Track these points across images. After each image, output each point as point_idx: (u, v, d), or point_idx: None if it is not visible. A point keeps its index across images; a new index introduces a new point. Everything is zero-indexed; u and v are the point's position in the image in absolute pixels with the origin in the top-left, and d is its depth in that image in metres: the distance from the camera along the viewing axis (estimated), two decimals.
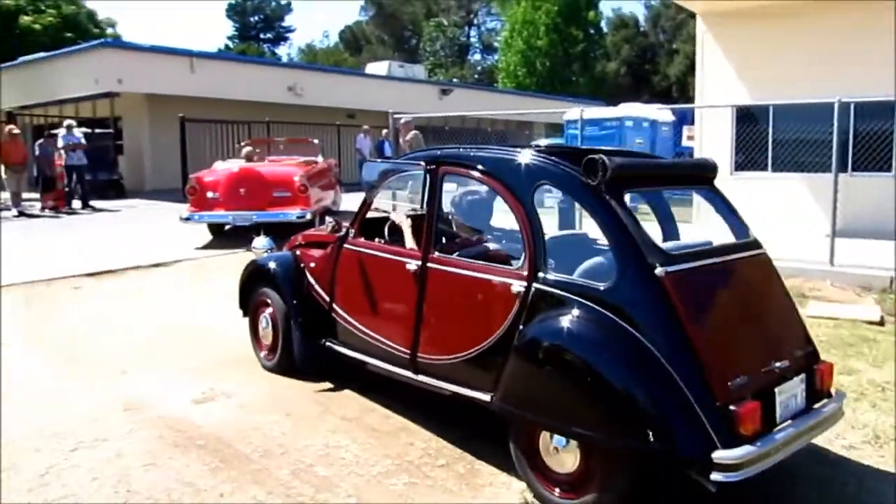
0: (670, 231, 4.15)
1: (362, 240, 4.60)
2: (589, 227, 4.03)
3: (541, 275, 3.46)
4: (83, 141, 15.87)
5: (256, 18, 71.59)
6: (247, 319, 5.51)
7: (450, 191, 4.53)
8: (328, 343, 4.75)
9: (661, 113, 17.82)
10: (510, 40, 43.25)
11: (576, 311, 3.28)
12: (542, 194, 3.78)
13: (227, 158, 14.59)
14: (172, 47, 21.93)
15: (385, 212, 4.90)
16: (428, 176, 4.19)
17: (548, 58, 41.23)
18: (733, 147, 11.71)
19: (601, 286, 3.26)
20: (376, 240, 4.58)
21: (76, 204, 15.76)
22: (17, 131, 15.28)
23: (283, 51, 71.47)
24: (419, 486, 3.52)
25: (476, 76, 61.52)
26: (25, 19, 35.68)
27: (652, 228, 3.65)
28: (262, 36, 71.72)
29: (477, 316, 3.72)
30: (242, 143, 14.00)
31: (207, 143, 19.24)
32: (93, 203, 15.96)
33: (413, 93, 28.14)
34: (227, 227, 11.05)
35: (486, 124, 30.59)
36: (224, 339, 5.90)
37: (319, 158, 12.94)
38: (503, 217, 4.26)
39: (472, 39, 69.29)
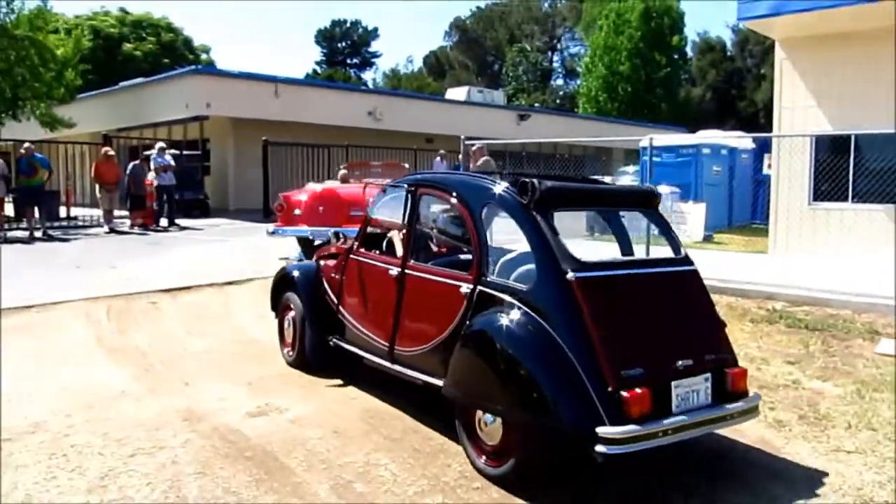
0: (625, 246, 4.75)
1: (363, 251, 5.35)
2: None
3: (484, 278, 4.13)
4: (172, 163, 16.69)
5: (344, 44, 73.64)
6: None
7: (433, 210, 5.19)
8: (334, 340, 5.50)
9: (741, 140, 17.45)
10: (591, 65, 43.09)
11: (505, 309, 3.90)
12: (491, 211, 4.45)
13: (324, 180, 15.23)
14: (258, 73, 22.85)
15: (386, 228, 5.52)
16: (409, 196, 4.94)
17: (629, 83, 40.84)
18: (812, 177, 11.36)
19: (525, 287, 3.90)
20: (374, 251, 5.30)
21: (163, 222, 16.56)
22: (111, 153, 16.22)
23: (368, 75, 73.27)
24: None
25: (557, 101, 61.44)
26: (128, 46, 37.85)
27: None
28: (348, 61, 73.72)
29: (437, 313, 4.38)
30: (342, 166, 14.72)
31: (289, 165, 19.92)
32: (179, 221, 16.74)
33: (491, 118, 28.41)
34: (315, 242, 11.54)
35: (564, 150, 30.58)
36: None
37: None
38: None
39: (555, 64, 69.41)
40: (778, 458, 4.23)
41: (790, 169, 11.44)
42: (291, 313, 5.96)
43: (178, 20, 65.35)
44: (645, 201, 4.71)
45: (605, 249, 4.85)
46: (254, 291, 9.13)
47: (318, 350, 5.69)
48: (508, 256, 4.37)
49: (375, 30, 73.37)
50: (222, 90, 20.86)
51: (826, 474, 3.99)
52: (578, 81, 51.31)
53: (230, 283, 9.35)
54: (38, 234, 14.58)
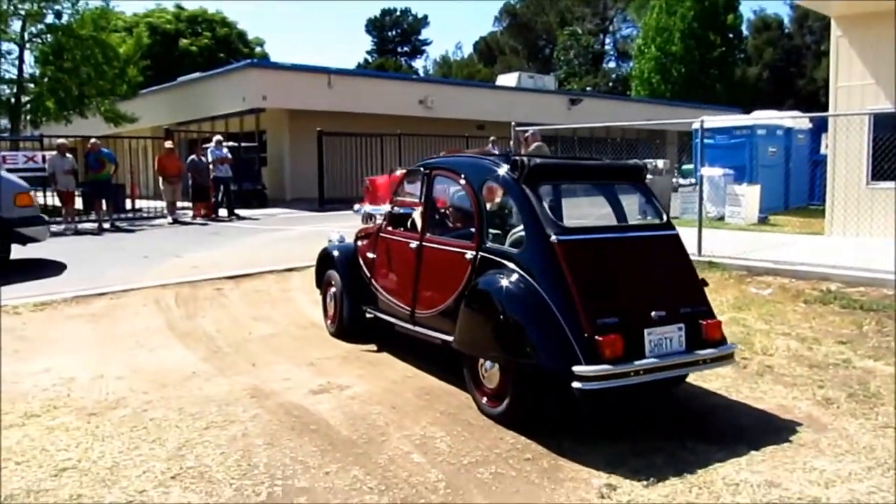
0: (619, 214, 5.21)
1: (390, 229, 5.99)
2: None
3: (484, 245, 4.75)
4: (229, 155, 17.21)
5: (394, 33, 73.98)
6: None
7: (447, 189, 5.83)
8: (366, 309, 6.24)
9: (798, 120, 17.13)
10: (644, 47, 42.50)
11: (501, 270, 4.50)
12: (489, 186, 5.00)
13: (394, 168, 15.86)
14: (312, 65, 23.27)
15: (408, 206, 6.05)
16: (425, 177, 5.59)
17: (683, 64, 40.18)
18: (870, 156, 11.15)
19: (516, 251, 4.51)
20: (400, 229, 5.89)
21: (223, 212, 17.11)
22: (171, 146, 16.81)
23: (419, 63, 73.55)
24: (504, 476, 3.79)
25: (610, 84, 60.72)
26: (184, 42, 38.77)
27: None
28: (399, 49, 74.07)
29: (448, 278, 5.00)
30: (442, 153, 15.23)
31: (343, 154, 20.31)
32: (237, 211, 17.27)
33: (542, 103, 28.38)
34: None
35: (617, 134, 30.34)
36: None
37: None
38: None
39: (607, 47, 68.54)
40: (825, 432, 4.31)
41: (847, 148, 11.26)
42: (332, 289, 6.66)
43: (232, 14, 66.56)
44: (631, 175, 5.28)
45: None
46: (311, 278, 9.39)
47: (354, 320, 6.41)
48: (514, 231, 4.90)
49: (425, 17, 73.77)
50: (277, 83, 21.35)
51: (873, 450, 4.07)
52: (631, 64, 50.67)
53: (289, 270, 9.70)
54: (106, 225, 15.22)
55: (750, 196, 13.85)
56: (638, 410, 4.73)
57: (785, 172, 16.78)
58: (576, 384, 3.88)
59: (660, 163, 15.71)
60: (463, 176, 5.20)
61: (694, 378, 5.19)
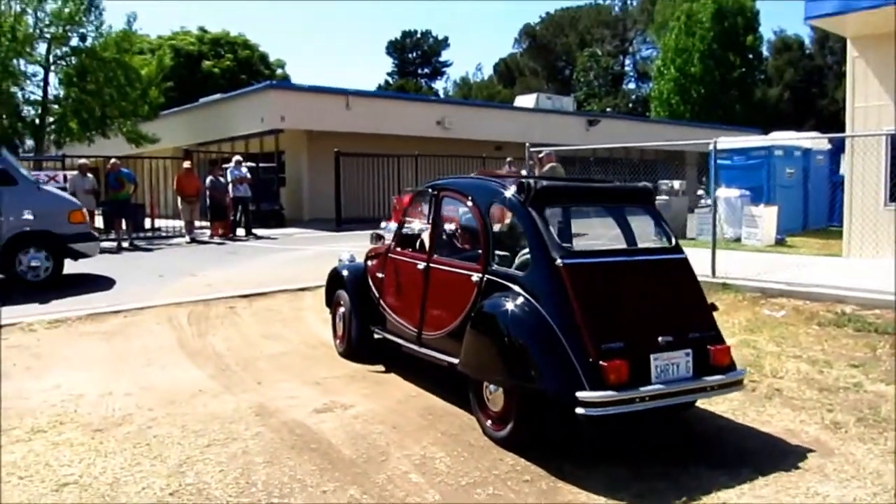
0: (629, 238, 5.16)
1: (399, 250, 5.97)
2: None
3: (490, 267, 4.72)
4: (248, 175, 17.38)
5: (414, 54, 74.62)
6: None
7: (453, 211, 5.84)
8: (374, 329, 6.21)
9: (817, 141, 17.00)
10: (663, 68, 42.51)
11: (506, 293, 4.45)
12: (496, 208, 5.03)
13: (401, 189, 15.88)
14: (330, 87, 23.53)
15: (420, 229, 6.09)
16: (433, 199, 5.61)
17: (702, 85, 40.12)
18: (887, 177, 11.03)
19: (521, 274, 4.47)
20: (408, 250, 5.87)
21: (240, 232, 17.25)
22: (189, 166, 17.02)
23: (439, 85, 74.01)
24: (501, 497, 3.76)
25: (630, 105, 60.74)
26: (207, 64, 39.39)
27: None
28: (419, 71, 74.66)
29: (454, 300, 4.97)
30: (474, 174, 15.38)
31: (360, 175, 20.44)
32: (255, 231, 17.41)
33: (560, 124, 28.43)
34: None
35: (635, 155, 30.25)
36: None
37: None
38: None
39: (627, 68, 68.66)
40: (831, 456, 4.24)
41: (864, 169, 11.15)
42: (341, 309, 6.66)
43: (254, 37, 67.53)
44: (640, 197, 5.21)
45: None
46: (323, 297, 9.49)
47: (362, 340, 6.40)
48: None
49: (446, 39, 74.32)
50: (296, 104, 21.59)
51: (880, 475, 3.99)
52: (650, 85, 50.69)
53: (302, 290, 9.73)
54: (125, 244, 15.40)
55: (767, 217, 13.74)
56: (643, 433, 4.68)
57: (803, 193, 16.64)
58: (579, 410, 3.84)
59: (676, 184, 15.67)
60: (470, 198, 5.20)
61: (701, 401, 5.13)
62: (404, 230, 6.18)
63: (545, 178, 5.50)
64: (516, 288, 4.44)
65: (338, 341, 6.78)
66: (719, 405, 5.13)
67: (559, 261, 4.24)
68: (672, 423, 4.85)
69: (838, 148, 18.00)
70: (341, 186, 19.99)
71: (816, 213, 17.05)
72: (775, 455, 4.29)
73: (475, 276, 4.81)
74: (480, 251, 4.93)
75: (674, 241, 4.88)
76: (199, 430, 4.72)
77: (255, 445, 4.46)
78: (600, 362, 3.91)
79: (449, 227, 5.88)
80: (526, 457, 4.21)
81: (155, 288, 10.08)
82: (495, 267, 4.74)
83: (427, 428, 4.73)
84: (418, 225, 6.09)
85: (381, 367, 6.21)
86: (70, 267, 10.90)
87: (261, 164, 20.97)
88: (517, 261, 4.75)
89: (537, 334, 4.15)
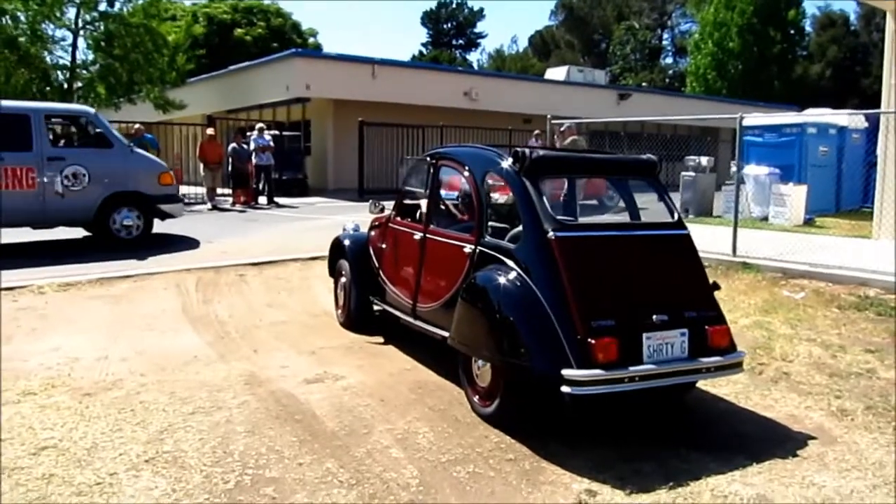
0: (633, 211, 5.02)
1: (399, 220, 5.85)
2: None
3: (483, 239, 4.58)
4: (271, 143, 17.32)
5: (449, 25, 73.83)
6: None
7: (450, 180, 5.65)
8: (373, 299, 6.11)
9: (854, 119, 16.41)
10: (701, 42, 41.55)
11: (497, 266, 4.32)
12: (491, 178, 4.84)
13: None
14: (356, 55, 23.29)
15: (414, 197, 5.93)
16: (430, 168, 5.45)
17: (740, 60, 39.14)
18: None
19: (513, 246, 4.30)
20: (407, 220, 5.74)
21: (262, 200, 17.24)
22: (212, 133, 17.00)
23: (473, 56, 73.33)
24: (482, 476, 3.64)
25: (666, 80, 59.59)
26: (238, 31, 39.30)
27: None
28: (454, 42, 73.90)
29: (448, 272, 4.85)
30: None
31: (384, 145, 20.29)
32: (277, 200, 17.39)
33: (590, 98, 27.97)
34: None
35: (668, 130, 29.70)
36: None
37: None
38: None
39: (665, 42, 67.28)
40: (833, 445, 4.05)
41: None
42: (343, 279, 6.56)
43: (287, 5, 67.28)
44: (643, 170, 5.00)
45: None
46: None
47: (361, 311, 6.30)
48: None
49: (481, 10, 73.45)
50: (321, 72, 21.43)
51: (882, 466, 3.80)
52: (688, 60, 49.61)
53: (314, 259, 9.65)
54: None
55: (796, 196, 13.34)
56: (638, 414, 4.52)
57: (837, 173, 16.11)
58: (565, 388, 3.70)
59: (703, 160, 15.24)
60: (466, 167, 5.03)
61: (703, 383, 4.96)
62: (404, 199, 6.05)
63: (549, 150, 5.31)
64: (508, 261, 4.30)
65: (339, 311, 6.70)
66: (722, 387, 4.95)
67: (551, 233, 4.09)
68: (670, 404, 4.69)
69: (876, 126, 17.40)
70: (365, 156, 19.86)
71: (850, 193, 16.50)
72: (774, 441, 4.10)
73: (468, 248, 4.69)
74: (474, 223, 4.78)
75: (676, 215, 4.69)
76: (185, 398, 4.66)
77: (238, 414, 4.39)
78: (589, 340, 3.76)
79: (446, 196, 5.72)
80: (511, 435, 4.08)
81: (169, 254, 10.07)
82: (488, 239, 4.59)
83: (415, 402, 4.62)
84: (418, 194, 5.93)
85: (379, 339, 6.10)
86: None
87: (285, 133, 20.90)
88: (511, 233, 4.57)
89: (525, 309, 4.00)
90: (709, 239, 10.67)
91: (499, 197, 5.14)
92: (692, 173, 15.24)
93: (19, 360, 5.45)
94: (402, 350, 5.78)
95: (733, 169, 18.14)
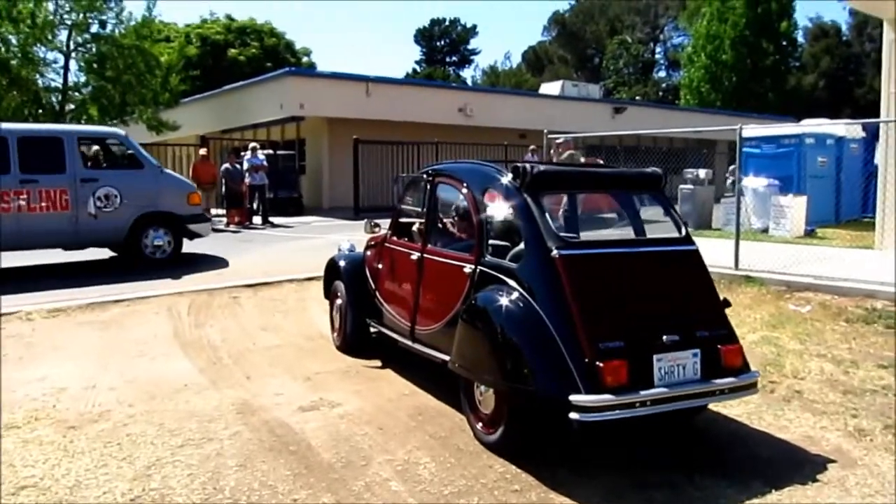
0: (638, 227, 4.83)
1: (395, 239, 5.67)
2: None
3: (483, 258, 4.40)
4: (265, 163, 17.18)
5: (443, 42, 74.07)
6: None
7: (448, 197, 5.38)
8: (370, 322, 5.89)
9: (851, 129, 16.33)
10: (694, 55, 41.64)
11: (499, 286, 4.13)
12: (491, 195, 4.59)
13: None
14: (350, 73, 23.23)
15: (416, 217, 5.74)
16: (427, 185, 5.28)
17: (734, 72, 39.21)
18: None
19: (515, 265, 4.13)
20: (404, 239, 5.57)
21: (257, 220, 17.07)
22: (205, 153, 16.87)
23: (467, 73, 73.47)
24: None
25: (660, 93, 59.74)
26: (232, 52, 39.33)
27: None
28: (447, 59, 74.12)
29: (447, 293, 4.67)
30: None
31: (380, 163, 20.15)
32: (272, 219, 17.22)
33: (585, 112, 27.87)
34: None
35: (663, 143, 29.63)
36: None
37: None
38: None
39: (657, 56, 67.53)
40: (854, 468, 3.87)
41: None
42: (338, 301, 6.33)
43: (281, 25, 67.43)
44: (648, 184, 4.84)
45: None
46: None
47: (357, 334, 6.09)
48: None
49: (474, 27, 73.67)
50: (315, 91, 21.33)
51: None
52: (681, 73, 49.74)
53: (309, 279, 9.48)
54: None
55: (796, 208, 13.21)
56: (648, 436, 4.34)
57: (836, 183, 16.01)
58: (573, 415, 3.51)
59: (701, 173, 15.13)
60: (464, 183, 4.85)
61: (714, 403, 4.78)
62: (401, 218, 5.87)
63: (553, 165, 5.16)
64: (510, 281, 4.10)
65: (335, 334, 6.47)
66: (733, 408, 4.76)
67: (555, 251, 3.91)
68: (680, 426, 4.50)
69: (874, 136, 17.32)
70: (360, 174, 19.71)
71: (850, 203, 16.39)
72: (791, 465, 3.92)
73: (468, 268, 4.50)
74: (474, 241, 4.59)
75: (684, 230, 4.51)
76: (175, 429, 4.46)
77: (230, 447, 4.19)
78: (597, 363, 3.57)
79: (444, 215, 5.52)
80: (517, 463, 3.88)
81: (162, 277, 9.87)
82: (489, 258, 4.40)
83: (415, 430, 4.43)
84: (414, 213, 5.75)
85: (377, 363, 5.89)
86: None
87: (279, 152, 20.77)
88: (512, 251, 4.37)
89: (530, 332, 3.82)
90: (710, 252, 10.53)
91: (499, 214, 4.95)
92: (691, 186, 15.12)
93: (5, 390, 5.24)
94: (400, 374, 5.58)
95: (730, 181, 18.13)
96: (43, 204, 9.93)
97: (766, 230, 13.81)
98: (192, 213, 11.28)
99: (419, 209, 5.48)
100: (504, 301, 4.00)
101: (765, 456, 4.05)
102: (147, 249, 10.83)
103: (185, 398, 5.09)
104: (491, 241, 4.51)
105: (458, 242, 5.11)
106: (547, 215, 4.17)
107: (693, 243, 4.42)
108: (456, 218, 5.41)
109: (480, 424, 4.18)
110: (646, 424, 4.18)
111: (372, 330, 6.01)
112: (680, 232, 4.51)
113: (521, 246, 4.25)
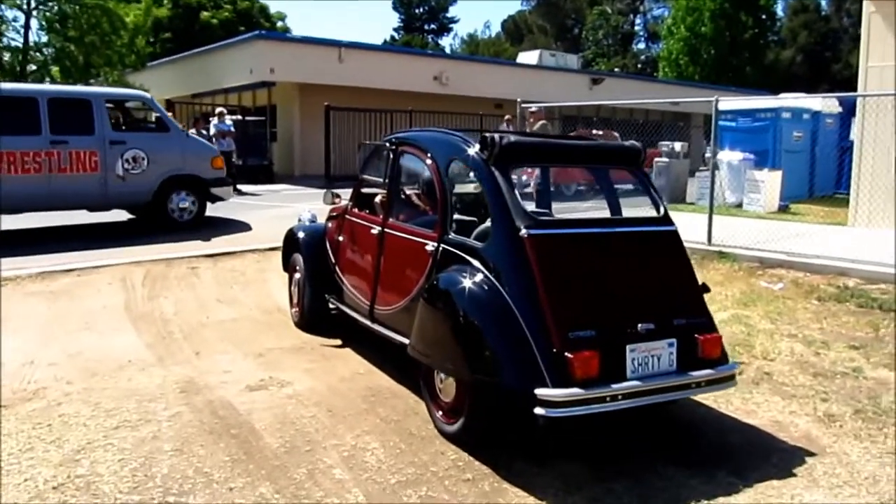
0: (613, 204, 4.58)
1: (356, 211, 5.35)
2: None
3: (446, 236, 4.10)
4: (233, 128, 16.71)
5: (421, 10, 72.95)
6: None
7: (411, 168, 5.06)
8: (329, 298, 5.62)
9: (827, 103, 16.20)
10: (673, 27, 41.33)
11: (462, 267, 3.84)
12: (457, 167, 4.31)
13: None
14: (322, 38, 22.64)
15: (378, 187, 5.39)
16: (390, 154, 4.94)
17: (713, 45, 38.98)
18: None
19: (481, 245, 3.84)
20: (365, 211, 5.26)
21: None
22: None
23: (446, 41, 72.59)
24: (435, 500, 3.24)
25: (639, 66, 59.41)
26: (205, 15, 38.27)
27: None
28: (426, 27, 73.07)
29: (408, 271, 4.39)
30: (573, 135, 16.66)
31: (352, 130, 19.73)
32: (239, 187, 16.78)
33: (562, 82, 27.52)
34: None
35: (640, 115, 29.44)
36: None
37: None
38: None
39: (637, 28, 67.04)
40: (823, 456, 3.70)
41: (876, 133, 10.48)
42: (297, 274, 6.01)
43: None
44: (626, 158, 4.52)
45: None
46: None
47: (315, 310, 5.81)
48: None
49: None
50: (286, 55, 20.78)
51: (876, 481, 3.46)
52: (660, 45, 49.43)
53: (271, 249, 9.15)
54: None
55: (770, 182, 13.09)
56: (612, 422, 4.14)
57: (811, 158, 15.90)
58: (538, 410, 3.25)
59: (677, 146, 14.97)
60: (429, 153, 4.49)
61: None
62: (363, 188, 5.51)
63: (523, 135, 4.85)
64: (475, 261, 3.81)
65: (293, 310, 6.15)
66: None
67: (524, 231, 3.61)
68: (646, 410, 4.32)
69: (850, 111, 17.18)
70: (332, 142, 19.30)
71: (824, 179, 16.30)
72: (759, 453, 3.75)
73: (430, 246, 4.18)
74: (438, 217, 4.27)
75: (662, 210, 4.21)
76: (111, 410, 4.20)
77: (168, 429, 3.94)
78: (566, 354, 3.31)
79: (408, 186, 5.20)
80: (471, 451, 3.67)
81: (119, 246, 9.50)
82: (453, 235, 4.09)
83: (366, 412, 4.19)
84: (377, 183, 5.40)
85: (337, 342, 5.59)
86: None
87: (249, 118, 20.27)
88: (478, 229, 4.09)
89: (494, 318, 3.53)
90: (683, 227, 10.38)
91: (464, 188, 4.66)
92: (665, 159, 14.95)
93: None
94: (358, 352, 5.33)
95: (707, 154, 18.01)
96: (73, 165, 10.00)
97: (739, 205, 13.71)
98: (216, 177, 11.39)
99: (381, 179, 5.12)
100: (467, 283, 3.70)
101: (732, 443, 3.88)
102: (174, 213, 10.94)
103: (128, 376, 4.81)
104: (456, 217, 4.23)
105: (421, 217, 4.79)
106: (516, 191, 3.86)
107: (672, 223, 4.14)
108: (420, 190, 5.09)
109: (440, 413, 3.92)
110: (613, 415, 4.00)
111: (332, 307, 5.73)
112: (658, 211, 4.22)
113: (488, 223, 3.95)
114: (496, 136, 3.97)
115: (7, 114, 9.65)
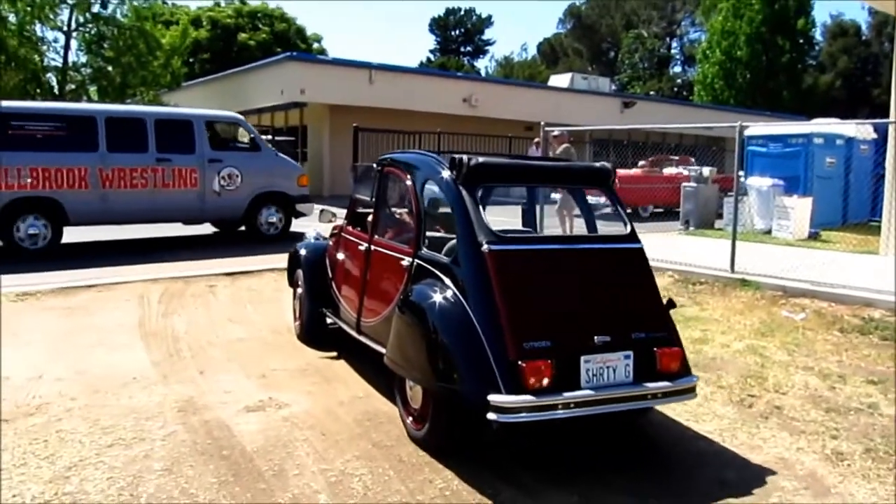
0: (590, 222, 4.84)
1: (349, 229, 5.59)
2: None
3: (419, 251, 4.29)
4: None
5: (457, 32, 73.53)
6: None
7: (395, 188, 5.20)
8: (325, 312, 5.78)
9: (861, 129, 15.86)
10: (709, 51, 41.05)
11: (433, 281, 4.02)
12: (430, 187, 4.45)
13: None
14: (353, 60, 22.91)
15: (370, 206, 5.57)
16: (378, 173, 5.18)
17: (749, 69, 38.60)
18: None
19: (447, 260, 4.02)
20: (357, 229, 5.46)
21: None
22: None
23: (482, 63, 72.96)
24: None
25: (675, 89, 59.03)
26: (243, 36, 39.05)
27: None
28: (462, 49, 73.59)
29: (388, 285, 4.60)
30: (642, 163, 18.63)
31: (380, 151, 19.79)
32: None
33: (594, 105, 27.45)
34: None
35: (673, 139, 29.21)
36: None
37: (680, 170, 17.70)
38: None
39: (674, 51, 66.71)
40: (826, 497, 3.56)
41: None
42: (299, 289, 6.27)
43: (293, 11, 67.01)
44: (595, 179, 4.73)
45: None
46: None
47: (313, 323, 6.01)
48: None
49: (489, 17, 73.12)
50: (317, 76, 21.04)
51: None
52: (696, 69, 49.09)
53: None
54: None
55: (800, 209, 12.82)
56: (607, 452, 4.05)
57: (844, 185, 15.55)
58: (490, 415, 3.38)
59: (705, 170, 14.76)
60: (408, 174, 4.71)
61: (685, 418, 4.50)
62: (356, 208, 5.72)
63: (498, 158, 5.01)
64: (443, 276, 4.00)
65: (296, 324, 6.39)
66: (707, 423, 4.47)
67: (485, 246, 3.79)
68: (644, 444, 4.21)
69: (885, 137, 16.86)
70: (360, 162, 19.41)
71: (857, 206, 15.93)
72: (759, 492, 3.61)
73: (405, 261, 4.41)
74: (413, 233, 4.48)
75: (629, 228, 4.32)
76: (108, 427, 4.21)
77: (160, 448, 3.93)
78: (519, 362, 3.43)
79: (392, 205, 5.35)
80: (464, 477, 3.61)
81: (145, 263, 9.63)
82: (425, 251, 4.29)
83: (359, 437, 4.15)
84: (366, 202, 5.59)
85: (333, 353, 5.75)
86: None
87: (277, 138, 20.50)
88: (447, 245, 4.25)
89: (457, 329, 3.69)
90: (707, 253, 10.21)
91: (436, 207, 4.74)
92: (693, 184, 14.75)
93: None
94: (361, 374, 5.30)
95: (741, 180, 17.76)
96: (175, 181, 10.90)
97: (769, 231, 13.45)
98: (301, 194, 12.30)
99: (369, 199, 5.38)
100: (435, 296, 3.87)
101: (731, 479, 3.74)
102: (262, 226, 11.89)
103: (130, 393, 4.83)
104: (428, 234, 4.41)
105: (402, 234, 4.96)
106: (482, 209, 4.03)
107: (638, 241, 4.25)
108: (401, 209, 5.26)
109: (411, 419, 4.11)
110: (580, 426, 3.95)
111: (329, 321, 5.84)
112: (626, 228, 4.33)
113: (455, 240, 4.11)
114: (465, 157, 4.15)
115: (118, 133, 10.47)
